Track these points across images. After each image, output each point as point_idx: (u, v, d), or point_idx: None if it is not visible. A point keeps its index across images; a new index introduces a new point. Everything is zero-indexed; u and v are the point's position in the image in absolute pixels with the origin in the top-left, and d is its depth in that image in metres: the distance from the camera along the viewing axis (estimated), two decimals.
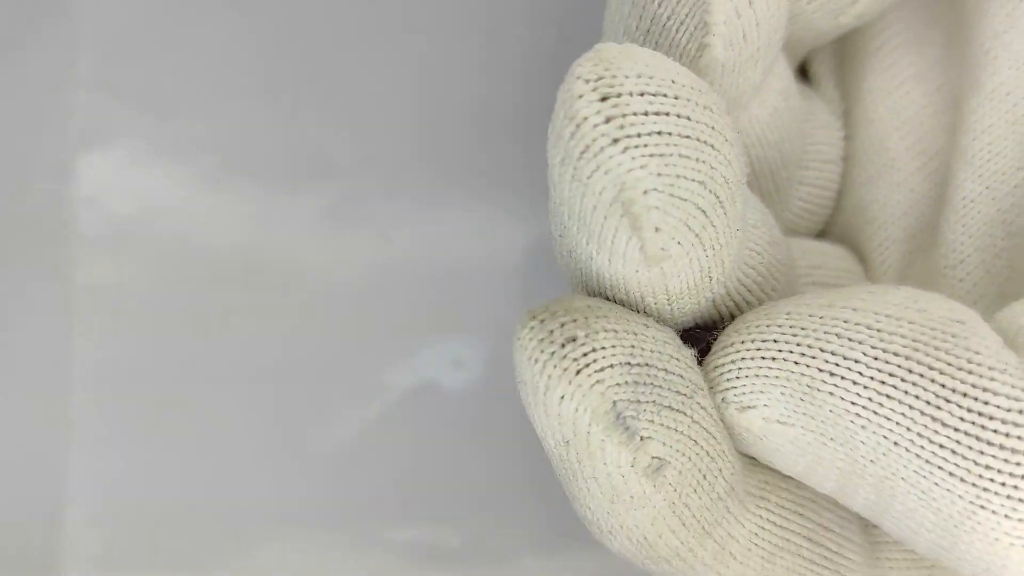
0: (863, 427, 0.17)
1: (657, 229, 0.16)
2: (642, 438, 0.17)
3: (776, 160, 0.23)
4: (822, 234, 0.25)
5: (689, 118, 0.16)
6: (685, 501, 0.18)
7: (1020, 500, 0.16)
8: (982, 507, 0.16)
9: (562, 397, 0.17)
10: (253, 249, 0.30)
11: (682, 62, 0.19)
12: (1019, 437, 0.16)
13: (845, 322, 0.17)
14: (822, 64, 0.25)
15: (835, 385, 0.17)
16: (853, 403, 0.17)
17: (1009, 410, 0.16)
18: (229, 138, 0.30)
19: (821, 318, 0.18)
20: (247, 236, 0.30)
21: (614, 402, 0.17)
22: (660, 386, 0.17)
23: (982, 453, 0.16)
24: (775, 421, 0.18)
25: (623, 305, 0.18)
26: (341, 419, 0.30)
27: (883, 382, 0.17)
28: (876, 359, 0.17)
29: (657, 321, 0.19)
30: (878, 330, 0.17)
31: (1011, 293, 0.22)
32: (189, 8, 0.31)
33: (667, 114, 0.16)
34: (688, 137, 0.16)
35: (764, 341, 0.18)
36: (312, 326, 0.30)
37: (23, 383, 0.30)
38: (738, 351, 0.18)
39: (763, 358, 0.18)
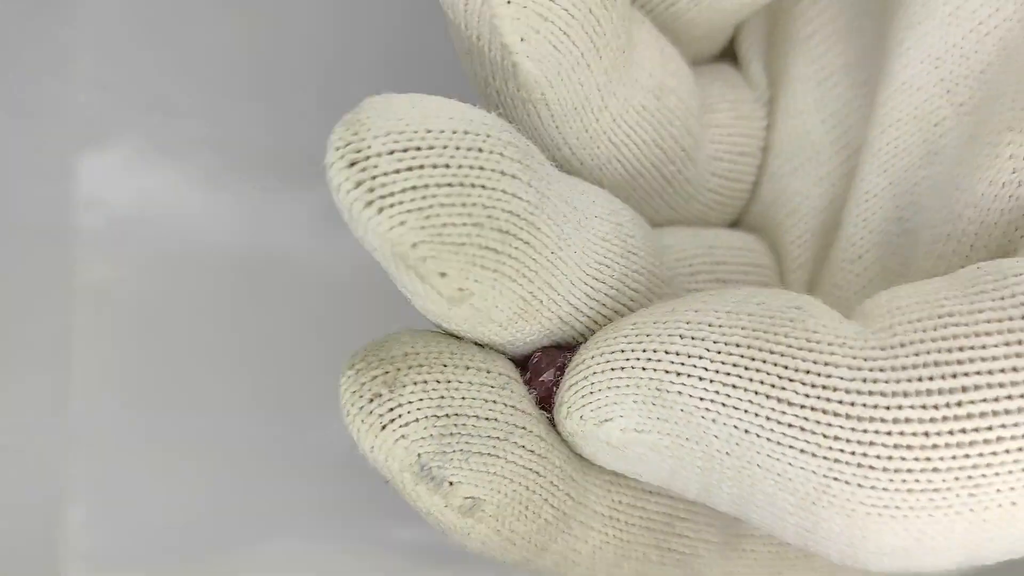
0: (714, 420, 0.17)
1: (443, 275, 0.17)
2: (451, 483, 0.18)
3: (657, 156, 0.22)
4: (736, 223, 0.25)
5: (447, 165, 0.17)
6: (511, 528, 0.19)
7: (871, 468, 0.16)
8: (835, 479, 0.16)
9: (371, 448, 0.18)
10: (252, 249, 0.30)
11: (507, 78, 0.20)
12: (864, 405, 0.16)
13: (687, 323, 0.18)
14: (751, 48, 0.24)
15: (683, 384, 0.17)
16: (701, 399, 0.17)
17: (852, 379, 0.17)
18: (229, 138, 0.30)
19: (664, 323, 0.18)
20: (246, 236, 0.30)
21: (419, 455, 0.18)
22: (469, 434, 0.18)
23: (829, 426, 0.16)
24: (632, 430, 0.18)
25: (462, 334, 0.19)
26: (341, 419, 0.30)
27: (728, 373, 0.17)
28: (719, 352, 0.17)
29: (490, 350, 0.19)
30: (719, 325, 0.18)
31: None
32: (189, 8, 0.31)
33: (420, 167, 0.17)
34: (449, 184, 0.17)
35: (612, 353, 0.18)
36: (312, 325, 0.30)
37: (23, 383, 0.30)
38: (588, 366, 0.18)
39: (612, 369, 0.18)
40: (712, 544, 0.22)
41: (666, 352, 0.18)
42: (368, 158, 0.17)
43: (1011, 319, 0.16)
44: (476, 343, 0.19)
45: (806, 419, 0.17)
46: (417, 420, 0.18)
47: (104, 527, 0.30)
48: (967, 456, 0.16)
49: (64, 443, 0.30)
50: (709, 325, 0.18)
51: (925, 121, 0.22)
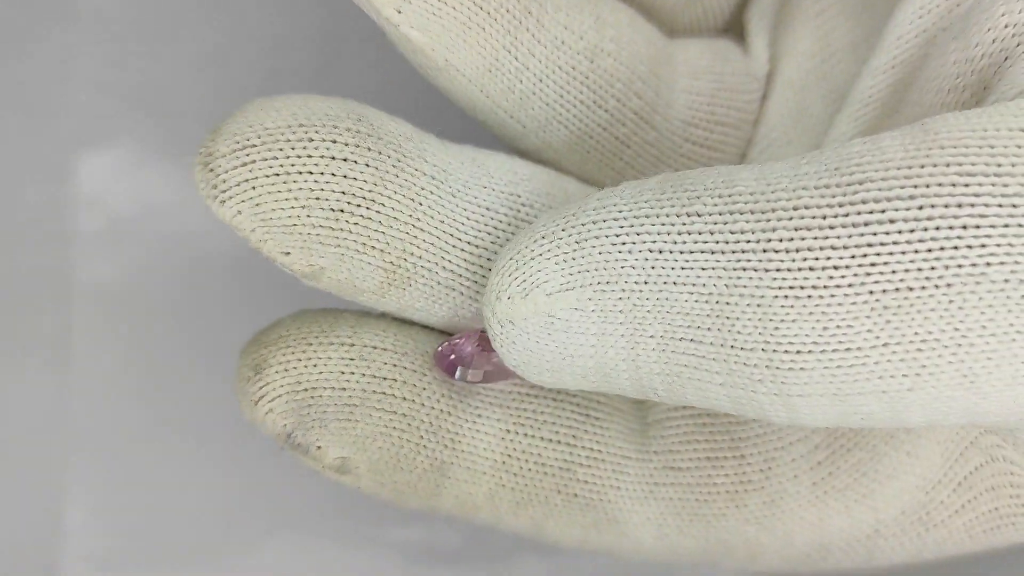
0: (630, 251, 0.18)
1: (286, 253, 0.20)
2: (318, 447, 0.21)
3: (602, 118, 0.23)
4: None
5: (275, 157, 0.20)
6: (392, 479, 0.21)
7: (775, 251, 0.17)
8: (743, 269, 0.17)
9: (251, 422, 0.21)
10: (252, 249, 0.30)
11: (411, 52, 0.22)
12: (767, 200, 0.18)
13: (600, 194, 0.19)
14: (759, 22, 0.25)
15: (599, 228, 0.19)
16: (617, 235, 0.18)
17: (755, 181, 0.18)
18: None
19: (579, 202, 0.20)
20: None
21: (284, 425, 0.21)
22: (325, 405, 0.21)
23: (736, 223, 0.18)
24: (556, 291, 0.19)
25: (365, 305, 0.22)
26: None
27: (640, 205, 0.19)
28: (632, 195, 0.19)
29: (376, 321, 0.22)
30: (633, 186, 0.19)
31: None
32: (189, 9, 0.31)
33: (253, 161, 0.20)
34: (276, 174, 0.20)
35: (531, 234, 0.19)
36: None
37: (23, 382, 0.30)
38: (509, 251, 0.19)
39: (533, 241, 0.19)
40: (625, 491, 0.22)
41: (581, 210, 0.19)
42: (214, 158, 0.20)
43: (912, 132, 0.17)
44: (392, 318, 0.22)
45: (715, 223, 0.18)
46: (280, 396, 0.21)
47: (104, 527, 0.30)
48: (862, 235, 0.17)
49: (64, 443, 0.30)
50: (623, 188, 0.19)
51: (900, 70, 0.22)
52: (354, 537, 0.30)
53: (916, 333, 0.17)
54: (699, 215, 0.18)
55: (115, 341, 0.30)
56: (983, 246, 0.16)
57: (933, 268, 0.16)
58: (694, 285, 0.18)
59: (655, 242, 0.18)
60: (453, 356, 0.21)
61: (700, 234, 0.18)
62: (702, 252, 0.18)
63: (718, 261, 0.18)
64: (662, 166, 0.24)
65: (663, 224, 0.18)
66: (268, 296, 0.30)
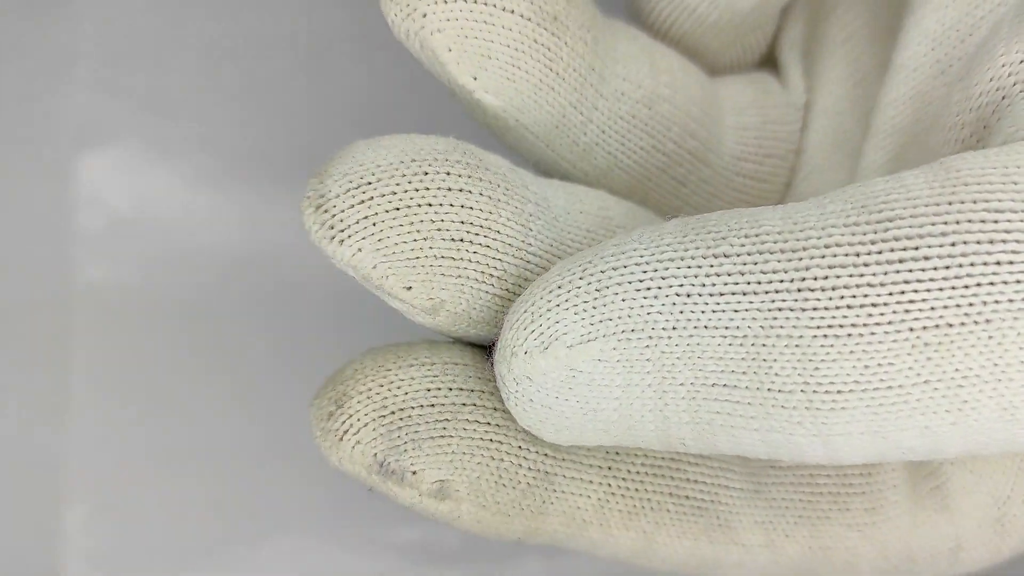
0: (655, 296, 0.18)
1: (408, 288, 0.20)
2: (414, 472, 0.20)
3: (661, 161, 0.23)
4: None
5: (394, 192, 0.19)
6: (495, 499, 0.20)
7: (809, 290, 0.17)
8: (779, 309, 0.17)
9: (338, 461, 0.20)
10: (252, 249, 0.30)
11: (482, 111, 0.22)
12: (796, 239, 0.17)
13: (616, 241, 0.19)
14: (791, 54, 0.26)
15: (620, 275, 0.18)
16: (640, 280, 0.18)
17: (782, 219, 0.18)
18: (229, 138, 0.30)
19: (594, 249, 0.19)
20: (246, 236, 0.30)
21: (375, 454, 0.20)
22: (415, 424, 0.20)
23: (767, 262, 0.18)
24: (577, 342, 0.18)
25: (455, 337, 0.21)
26: None
27: (663, 249, 0.18)
28: (652, 239, 0.19)
29: (449, 345, 0.21)
30: (651, 230, 0.19)
31: None
32: (189, 9, 0.31)
33: (370, 199, 0.19)
34: (396, 209, 0.19)
35: (546, 284, 0.19)
36: (311, 325, 0.30)
37: (23, 382, 0.30)
38: (523, 302, 0.19)
39: (548, 292, 0.19)
40: (734, 490, 0.22)
41: (599, 257, 0.19)
42: (327, 199, 0.19)
43: (934, 171, 0.17)
44: (466, 343, 0.21)
45: (744, 264, 0.18)
46: (366, 425, 0.20)
47: (104, 527, 0.30)
48: (898, 272, 0.17)
49: (64, 443, 0.30)
50: (640, 234, 0.19)
51: (920, 100, 0.22)
52: (354, 537, 0.30)
53: (956, 369, 0.17)
54: (727, 256, 0.18)
55: (115, 340, 0.30)
56: (1018, 282, 0.16)
57: (971, 304, 0.16)
58: (727, 328, 0.18)
59: (682, 286, 0.18)
60: None
61: (730, 275, 0.18)
62: (733, 294, 0.18)
63: (751, 302, 0.17)
64: (716, 201, 0.24)
65: (690, 267, 0.18)
66: (267, 296, 0.30)
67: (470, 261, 0.20)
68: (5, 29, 0.30)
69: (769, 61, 0.26)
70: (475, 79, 0.21)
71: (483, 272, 0.20)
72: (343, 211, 0.19)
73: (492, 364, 0.21)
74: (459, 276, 0.20)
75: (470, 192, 0.20)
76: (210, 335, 0.30)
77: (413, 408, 0.20)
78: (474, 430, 0.20)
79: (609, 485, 0.21)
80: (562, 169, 0.23)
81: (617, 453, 0.21)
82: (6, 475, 0.30)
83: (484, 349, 0.22)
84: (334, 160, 0.20)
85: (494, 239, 0.20)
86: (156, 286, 0.30)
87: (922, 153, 0.22)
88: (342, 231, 0.19)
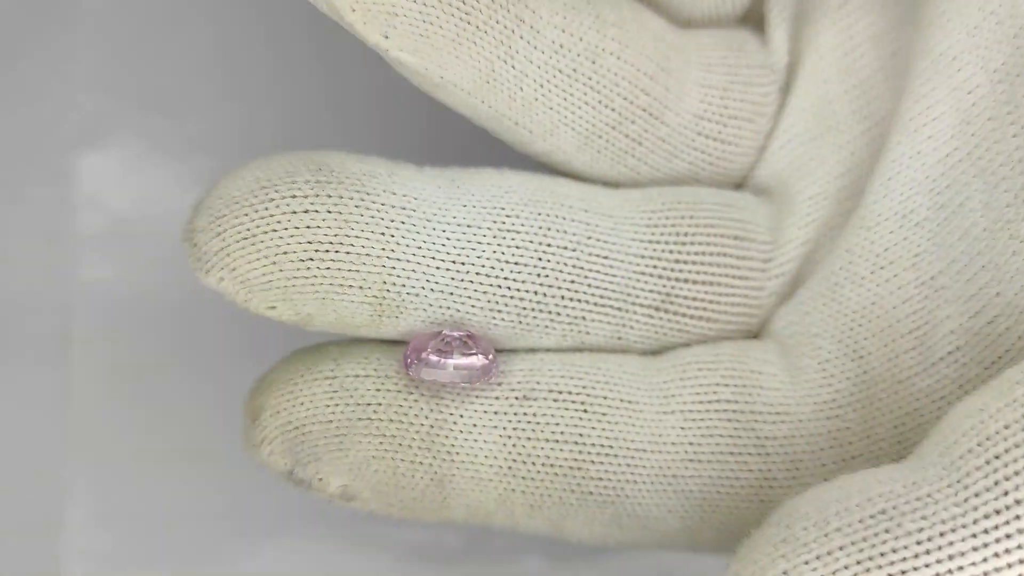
0: None
1: (272, 307, 0.21)
2: (320, 479, 0.22)
3: (610, 117, 0.23)
4: (741, 185, 0.25)
5: (242, 222, 0.21)
6: (398, 498, 0.22)
7: None
8: None
9: (260, 464, 0.22)
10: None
11: (408, 71, 0.22)
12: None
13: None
14: (780, 13, 0.25)
15: None
16: None
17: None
18: (229, 138, 0.30)
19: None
20: None
21: (284, 464, 0.22)
22: (315, 439, 0.22)
23: None
24: None
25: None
26: None
27: None
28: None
29: (356, 348, 0.22)
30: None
31: (925, 267, 0.22)
32: (189, 9, 0.31)
33: (224, 231, 0.21)
34: (245, 238, 0.21)
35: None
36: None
37: (23, 382, 0.30)
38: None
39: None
40: (639, 484, 0.22)
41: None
42: (194, 233, 0.21)
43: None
44: (379, 342, 0.22)
45: None
46: (275, 438, 0.22)
47: (104, 527, 0.30)
48: None
49: (64, 443, 0.30)
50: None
51: (959, 90, 0.22)
52: (354, 538, 0.30)
53: None
54: None
55: (115, 341, 0.30)
56: None
57: None
58: None
59: None
60: (409, 356, 0.22)
61: None
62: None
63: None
64: (676, 161, 0.24)
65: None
66: None
67: (324, 277, 0.21)
68: (5, 29, 0.30)
69: (754, 20, 0.25)
70: (386, 37, 0.21)
71: (341, 284, 0.21)
72: (205, 244, 0.21)
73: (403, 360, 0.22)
74: (315, 292, 0.21)
75: (316, 212, 0.21)
76: (210, 335, 0.30)
77: (312, 424, 0.22)
78: (368, 443, 0.22)
79: (509, 483, 0.22)
80: (505, 127, 0.23)
81: (516, 456, 0.22)
82: (6, 475, 0.30)
83: (398, 346, 0.22)
84: (205, 195, 0.21)
85: (347, 252, 0.21)
86: (156, 286, 0.30)
87: (975, 170, 0.21)
88: (205, 262, 0.21)
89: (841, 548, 0.17)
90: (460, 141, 0.29)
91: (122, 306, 0.30)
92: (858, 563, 0.16)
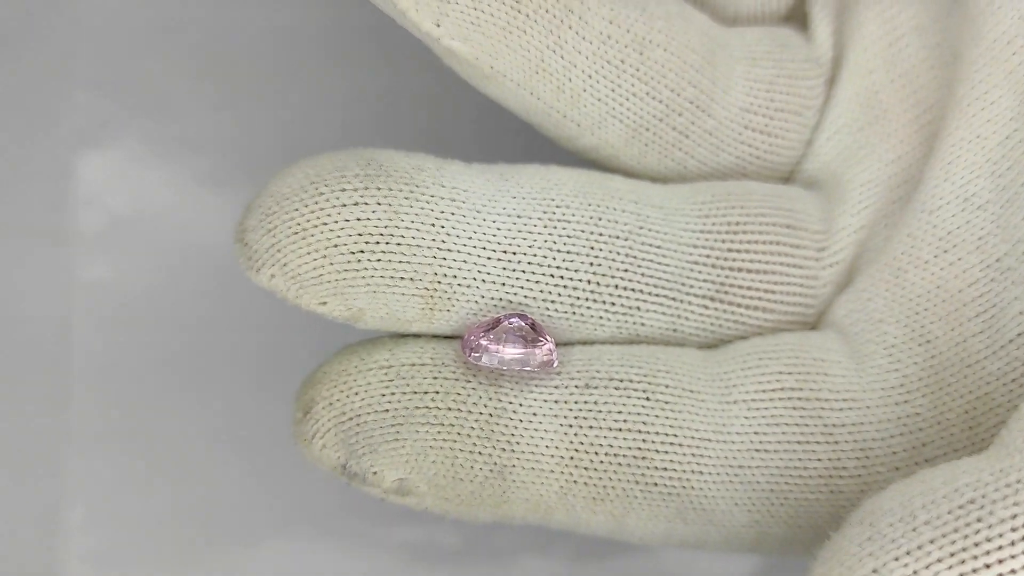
0: None
1: (324, 303, 0.21)
2: (374, 473, 0.21)
3: (658, 110, 0.23)
4: (788, 179, 0.25)
5: (293, 218, 0.21)
6: (455, 492, 0.21)
7: None
8: None
9: (312, 461, 0.21)
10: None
11: (457, 62, 0.22)
12: None
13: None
14: (823, 8, 0.25)
15: None
16: None
17: None
18: (229, 138, 0.31)
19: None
20: None
21: (338, 457, 0.21)
22: (371, 429, 0.21)
23: None
24: None
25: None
26: None
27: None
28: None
29: (415, 339, 0.22)
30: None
31: (989, 250, 0.22)
32: (189, 9, 0.31)
33: (275, 227, 0.21)
34: (296, 233, 0.21)
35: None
36: (311, 324, 0.30)
37: (22, 382, 0.30)
38: None
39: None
40: (705, 475, 0.22)
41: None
42: (245, 232, 0.21)
43: None
44: (432, 335, 0.22)
45: None
46: (329, 431, 0.21)
47: (103, 527, 0.30)
48: None
49: (63, 442, 0.30)
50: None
51: (1015, 73, 0.22)
52: (355, 537, 0.30)
53: None
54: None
55: (114, 340, 0.30)
56: None
57: None
58: None
59: None
60: (469, 342, 0.22)
61: None
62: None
63: None
64: (723, 155, 0.24)
65: None
66: (267, 296, 0.30)
67: (374, 270, 0.21)
68: (5, 29, 0.30)
69: (798, 17, 0.26)
70: (438, 26, 0.21)
71: (392, 276, 0.21)
72: (256, 241, 0.21)
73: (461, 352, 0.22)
74: (367, 285, 0.21)
75: (366, 204, 0.21)
76: (210, 335, 0.30)
77: (368, 414, 0.21)
78: (426, 432, 0.21)
79: (571, 474, 0.22)
80: (553, 120, 0.23)
81: (579, 446, 0.22)
82: (5, 475, 0.30)
83: (451, 339, 0.22)
84: (256, 196, 0.21)
85: (397, 244, 0.21)
86: (156, 286, 0.30)
87: None
88: (256, 261, 0.21)
89: (932, 541, 0.16)
90: (460, 141, 0.29)
91: (121, 305, 0.30)
92: (952, 555, 0.16)
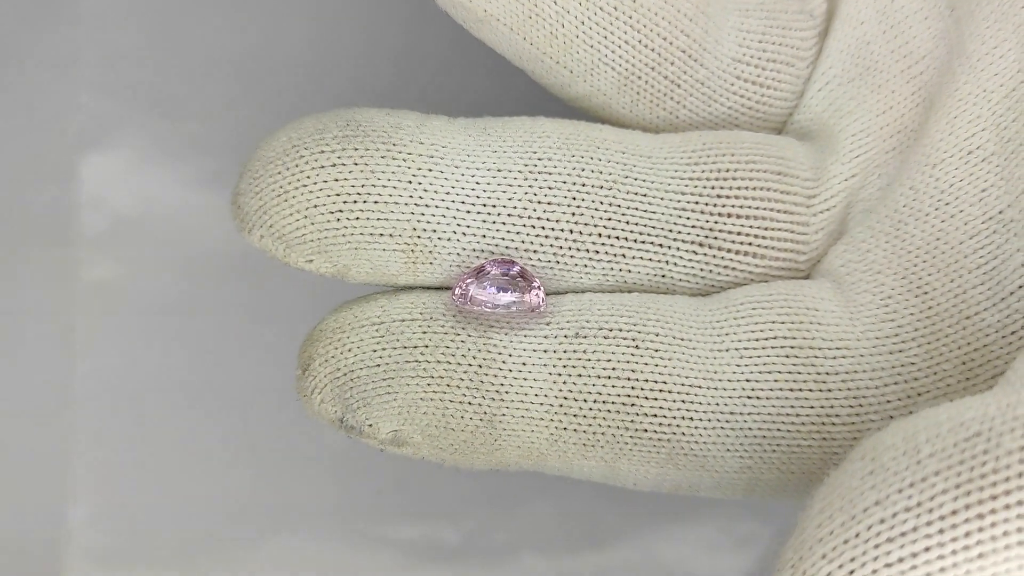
0: None
1: (310, 261, 0.22)
2: (370, 425, 0.22)
3: (650, 57, 0.23)
4: (781, 131, 0.25)
5: (276, 180, 0.22)
6: (448, 440, 0.22)
7: None
8: None
9: (312, 414, 0.22)
10: (253, 248, 0.30)
11: (452, 8, 0.23)
12: None
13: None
14: None
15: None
16: None
17: None
18: (229, 138, 0.31)
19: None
20: None
21: (335, 411, 0.22)
22: (364, 384, 0.22)
23: None
24: None
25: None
26: None
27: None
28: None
29: (405, 292, 0.23)
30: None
31: (991, 202, 0.22)
32: (190, 10, 0.31)
33: (260, 190, 0.22)
34: (279, 195, 0.22)
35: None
36: (311, 324, 0.30)
37: (26, 382, 0.30)
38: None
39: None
40: (695, 421, 0.22)
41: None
42: (237, 195, 0.22)
43: None
44: (424, 288, 0.23)
45: None
46: (325, 386, 0.22)
47: (106, 525, 0.30)
48: None
49: (67, 442, 0.30)
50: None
51: (1023, 30, 0.22)
52: (355, 534, 0.30)
53: None
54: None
55: (118, 340, 0.30)
56: None
57: None
58: None
59: None
60: (458, 290, 0.22)
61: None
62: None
63: None
64: (715, 105, 0.24)
65: None
66: (269, 295, 0.31)
67: (353, 228, 0.22)
68: (7, 31, 0.31)
69: None
70: None
71: (372, 234, 0.22)
72: (246, 204, 0.22)
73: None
74: (348, 243, 0.22)
75: (344, 165, 0.22)
76: (212, 334, 0.30)
77: (361, 369, 0.22)
78: (417, 384, 0.22)
79: (560, 421, 0.22)
80: (546, 66, 0.23)
81: (568, 393, 0.22)
82: (10, 474, 0.30)
83: (444, 291, 0.23)
84: (247, 158, 0.23)
85: (376, 201, 0.22)
86: (158, 286, 0.30)
87: None
88: (248, 222, 0.22)
89: (937, 473, 0.16)
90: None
91: (125, 305, 0.30)
92: (957, 486, 0.16)
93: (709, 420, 0.22)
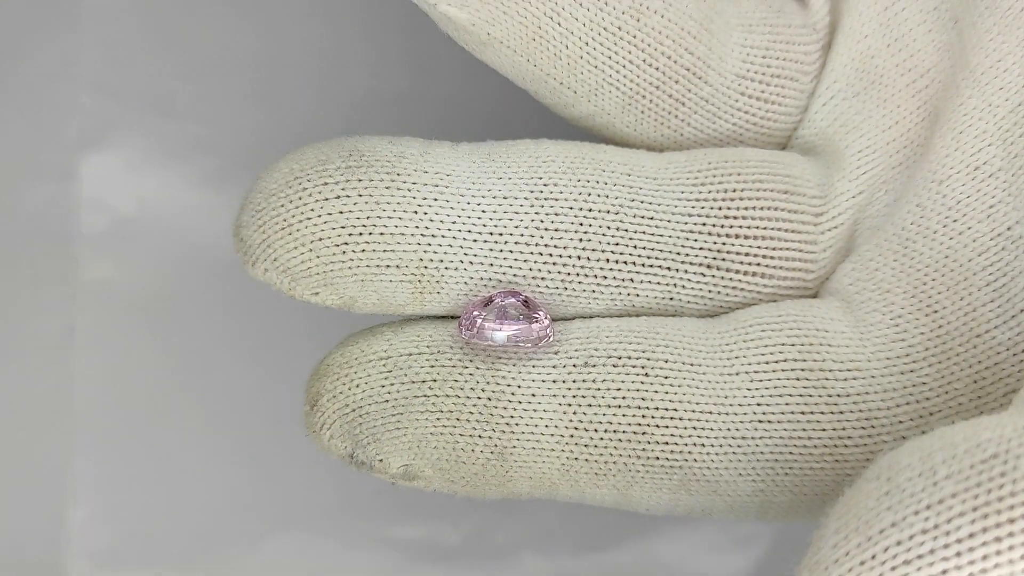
0: None
1: (316, 293, 0.22)
2: (380, 460, 0.22)
3: (654, 77, 0.23)
4: (785, 146, 0.25)
5: (279, 213, 0.22)
6: (459, 474, 0.22)
7: None
8: None
9: (324, 451, 0.22)
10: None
11: (457, 32, 0.23)
12: None
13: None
14: None
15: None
16: None
17: None
18: (229, 138, 0.31)
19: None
20: None
21: (344, 447, 0.22)
22: (373, 419, 0.22)
23: None
24: None
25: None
26: None
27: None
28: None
29: (410, 326, 0.23)
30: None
31: (1000, 219, 0.22)
32: (190, 10, 0.31)
33: (264, 223, 0.22)
34: (283, 228, 0.22)
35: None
36: (311, 324, 0.30)
37: (26, 382, 0.30)
38: None
39: None
40: (707, 447, 0.22)
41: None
42: (240, 228, 0.22)
43: None
44: (431, 319, 0.23)
45: None
46: (334, 423, 0.22)
47: (106, 526, 0.30)
48: None
49: (68, 442, 0.30)
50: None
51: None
52: (355, 535, 0.30)
53: None
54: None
55: (118, 341, 0.30)
56: None
57: None
58: None
59: None
60: (464, 322, 0.22)
61: None
62: None
63: None
64: (719, 122, 0.24)
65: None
66: (270, 295, 0.31)
67: (359, 260, 0.22)
68: (7, 31, 0.30)
69: None
70: None
71: (378, 265, 0.22)
72: (249, 237, 0.22)
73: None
74: (354, 275, 0.22)
75: (347, 197, 0.22)
76: (212, 335, 0.30)
77: (369, 405, 0.22)
78: (426, 419, 0.22)
79: (571, 452, 0.22)
80: (550, 87, 0.23)
81: (578, 424, 0.22)
82: (10, 475, 0.30)
83: (450, 321, 0.23)
84: (249, 189, 0.22)
85: (381, 233, 0.22)
86: (158, 286, 0.30)
87: None
88: (251, 255, 0.22)
89: (954, 495, 0.16)
90: (460, 141, 0.29)
91: (124, 306, 0.30)
92: (974, 509, 0.16)
93: (721, 446, 0.22)
